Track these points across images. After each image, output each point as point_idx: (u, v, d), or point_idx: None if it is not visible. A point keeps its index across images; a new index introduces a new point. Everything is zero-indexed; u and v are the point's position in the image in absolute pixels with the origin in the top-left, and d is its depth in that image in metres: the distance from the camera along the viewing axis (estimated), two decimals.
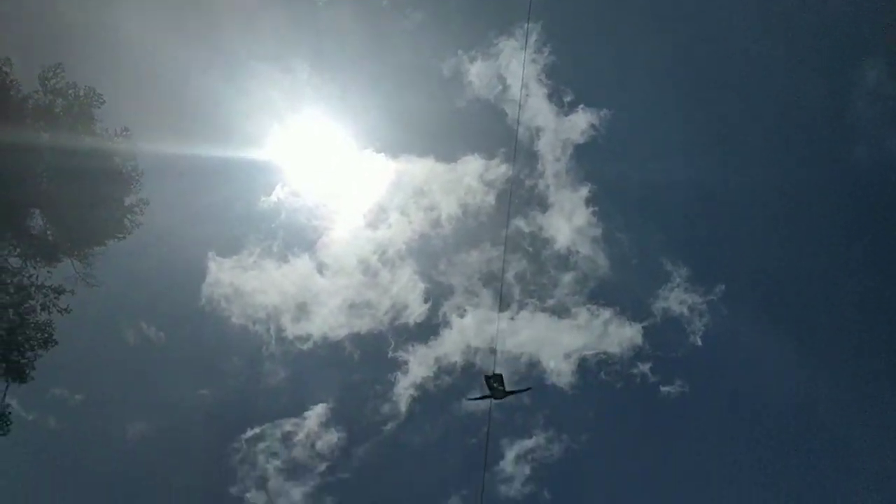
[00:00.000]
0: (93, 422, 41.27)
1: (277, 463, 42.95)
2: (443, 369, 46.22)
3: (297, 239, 47.84)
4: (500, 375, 21.23)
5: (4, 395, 20.32)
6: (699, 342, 41.89)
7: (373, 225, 46.47)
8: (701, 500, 43.25)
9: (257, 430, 43.35)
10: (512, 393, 21.52)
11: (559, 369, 43.38)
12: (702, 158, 41.88)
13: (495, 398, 21.32)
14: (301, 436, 43.61)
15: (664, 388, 42.27)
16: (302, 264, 45.53)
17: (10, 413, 20.47)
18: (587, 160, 43.23)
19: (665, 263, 42.69)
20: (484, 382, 21.20)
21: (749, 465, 42.78)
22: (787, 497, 41.53)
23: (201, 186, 39.34)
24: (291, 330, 45.08)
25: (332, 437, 44.23)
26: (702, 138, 43.54)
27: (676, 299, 41.76)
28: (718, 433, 43.27)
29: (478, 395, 21.65)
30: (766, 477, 42.29)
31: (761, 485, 42.21)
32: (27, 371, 20.55)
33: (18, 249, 20.60)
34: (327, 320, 45.41)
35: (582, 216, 43.49)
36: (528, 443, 42.84)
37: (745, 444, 43.16)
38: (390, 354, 46.18)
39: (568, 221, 43.56)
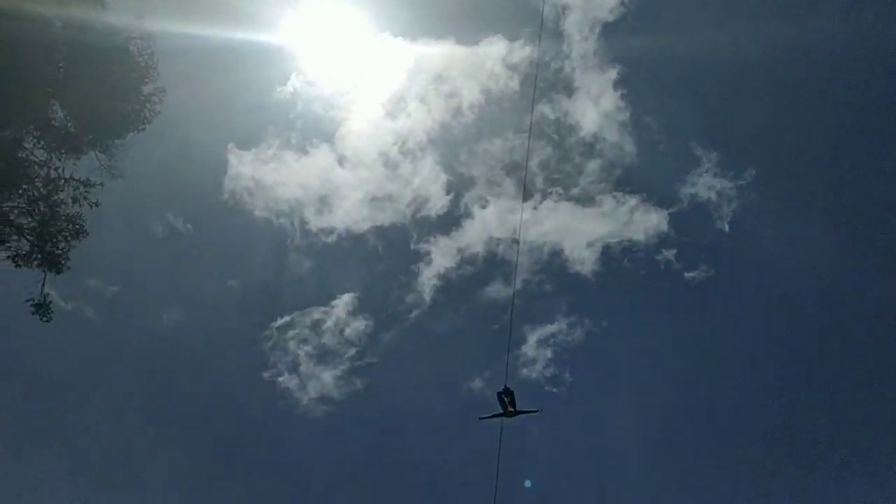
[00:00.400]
0: (128, 311, 42.71)
1: (308, 349, 44.51)
2: (465, 260, 46.65)
3: (315, 130, 47.20)
4: (512, 391, 21.80)
5: (43, 284, 20.93)
6: (726, 228, 41.57)
7: (392, 114, 45.55)
8: (724, 385, 44.45)
9: (287, 318, 44.63)
10: (521, 413, 22.05)
11: (582, 258, 43.58)
12: (737, 36, 39.86)
13: (507, 417, 21.96)
14: (329, 323, 44.90)
15: (688, 275, 42.46)
16: (321, 156, 45.20)
17: (50, 302, 21.12)
18: (616, 39, 41.31)
19: (695, 148, 41.66)
20: (497, 399, 21.83)
21: (773, 350, 43.53)
22: (815, 380, 42.40)
23: (214, 75, 38.50)
24: (315, 223, 45.42)
25: (360, 325, 45.48)
26: (737, 13, 41.29)
27: (705, 185, 41.07)
28: (742, 318, 43.82)
29: (490, 414, 22.19)
30: (792, 361, 43.06)
31: (786, 368, 43.09)
32: (62, 262, 21.03)
33: (43, 142, 20.51)
34: (350, 213, 45.61)
35: (609, 100, 42.13)
36: (551, 328, 43.76)
37: (769, 328, 43.75)
38: (413, 246, 46.56)
39: (595, 105, 42.29)
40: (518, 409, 21.87)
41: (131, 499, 40.86)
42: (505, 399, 21.81)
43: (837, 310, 41.02)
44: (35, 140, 20.52)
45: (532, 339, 42.82)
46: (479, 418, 22.38)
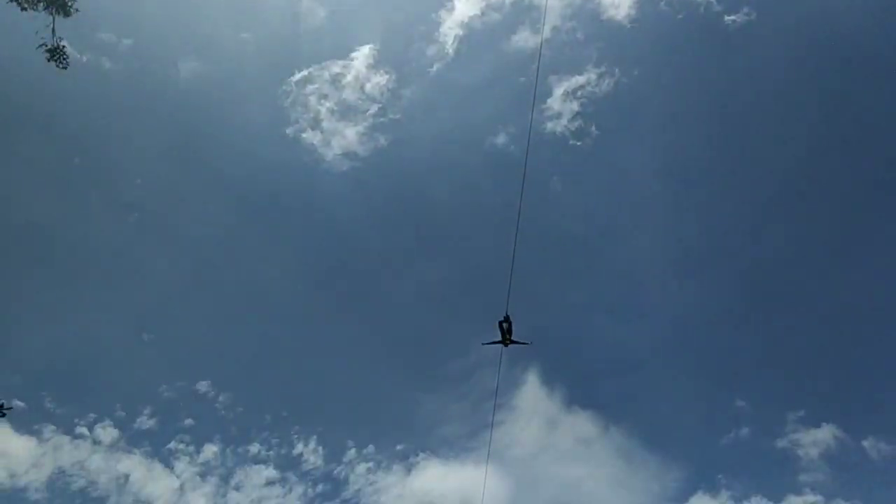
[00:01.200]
0: (144, 64, 41.92)
1: (329, 105, 44.19)
2: (490, 6, 43.99)
3: None
4: (511, 321, 22.93)
5: (53, 29, 20.13)
6: None
7: None
8: (759, 135, 43.80)
9: (305, 72, 43.73)
10: (515, 343, 23.56)
11: (617, 2, 40.81)
12: None
13: (504, 345, 23.45)
14: (349, 78, 43.98)
15: (728, 18, 39.96)
16: None
17: (64, 47, 20.48)
18: None
19: None
20: (498, 327, 23.18)
21: (814, 97, 42.01)
22: (857, 127, 41.30)
23: None
24: None
25: (381, 80, 44.53)
26: None
27: None
28: (783, 65, 41.92)
29: (490, 341, 23.63)
30: (833, 107, 41.59)
31: (826, 112, 41.77)
32: (69, 2, 20.00)
33: None
34: None
35: None
36: (579, 79, 42.53)
37: (812, 76, 41.89)
38: None
39: None
40: (513, 339, 23.50)
41: (168, 245, 43.60)
42: (504, 326, 23.14)
43: (886, 57, 38.93)
44: None
45: (559, 91, 41.86)
46: (482, 344, 24.02)
